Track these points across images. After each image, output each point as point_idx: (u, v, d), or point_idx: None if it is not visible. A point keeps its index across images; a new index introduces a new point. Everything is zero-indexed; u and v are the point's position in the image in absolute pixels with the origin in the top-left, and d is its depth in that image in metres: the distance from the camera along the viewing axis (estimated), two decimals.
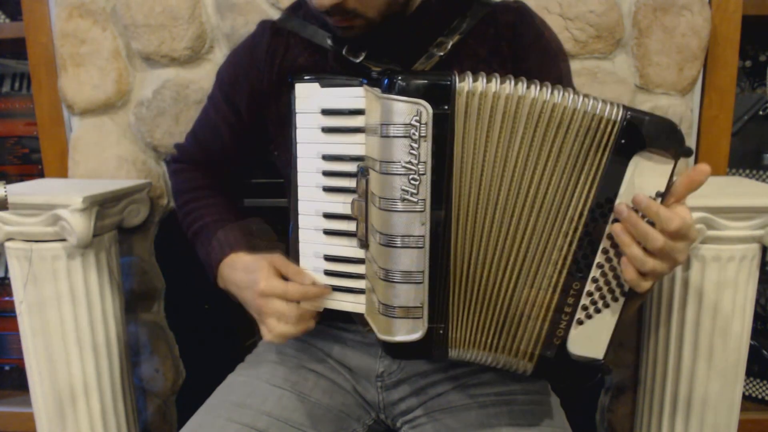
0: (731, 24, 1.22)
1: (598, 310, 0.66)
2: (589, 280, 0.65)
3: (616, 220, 0.62)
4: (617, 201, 0.62)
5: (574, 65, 1.20)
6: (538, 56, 0.82)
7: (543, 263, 0.65)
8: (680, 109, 1.22)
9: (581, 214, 0.63)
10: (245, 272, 0.79)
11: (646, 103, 1.22)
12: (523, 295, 0.67)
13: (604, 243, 0.63)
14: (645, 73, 1.20)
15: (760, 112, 1.40)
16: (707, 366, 1.06)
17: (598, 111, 0.61)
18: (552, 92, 0.61)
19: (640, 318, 1.25)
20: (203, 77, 1.23)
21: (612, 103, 0.62)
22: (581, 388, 0.71)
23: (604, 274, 0.64)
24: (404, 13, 0.78)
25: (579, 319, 0.66)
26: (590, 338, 0.67)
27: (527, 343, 0.68)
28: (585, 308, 0.66)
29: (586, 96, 0.62)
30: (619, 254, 0.63)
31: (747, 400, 1.48)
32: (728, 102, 1.26)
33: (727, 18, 1.21)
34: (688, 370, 1.08)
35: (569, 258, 0.64)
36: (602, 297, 0.65)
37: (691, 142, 1.25)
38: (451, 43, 0.79)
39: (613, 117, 0.61)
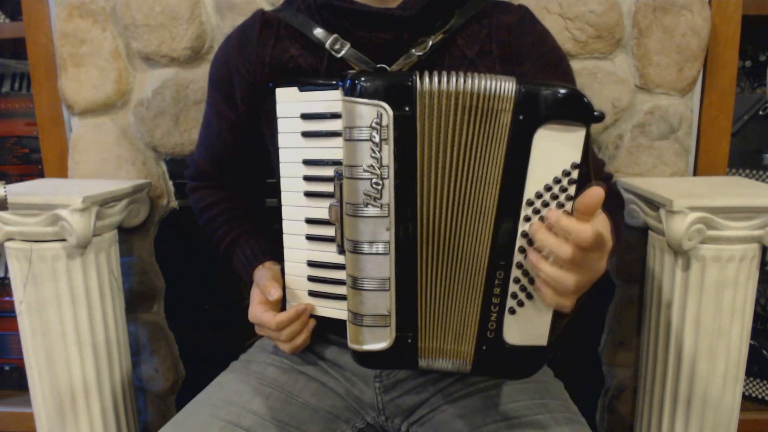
0: (731, 24, 1.22)
1: (530, 296, 0.64)
2: (513, 266, 0.63)
3: (531, 202, 0.60)
4: (527, 180, 0.60)
5: (574, 65, 1.20)
6: (537, 62, 0.80)
7: (474, 258, 0.65)
8: (680, 109, 1.22)
9: (494, 199, 0.62)
10: (254, 289, 0.84)
11: (646, 103, 1.22)
12: (466, 296, 0.66)
13: (523, 226, 0.62)
14: (645, 73, 1.20)
15: (760, 112, 1.40)
16: (707, 366, 1.06)
17: (492, 90, 0.60)
18: (465, 81, 0.60)
19: (640, 318, 1.25)
20: (203, 77, 1.23)
21: (505, 79, 0.60)
22: (525, 377, 0.71)
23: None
24: None
25: (510, 308, 0.65)
26: (527, 325, 0.65)
27: (466, 342, 0.68)
28: (515, 296, 0.64)
29: (482, 76, 0.60)
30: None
31: (747, 400, 1.48)
32: (728, 102, 1.26)
33: (727, 18, 1.21)
34: (688, 370, 1.08)
35: (488, 247, 0.64)
36: (532, 282, 0.63)
37: (691, 142, 1.25)
38: (431, 43, 0.78)
39: (507, 93, 0.59)
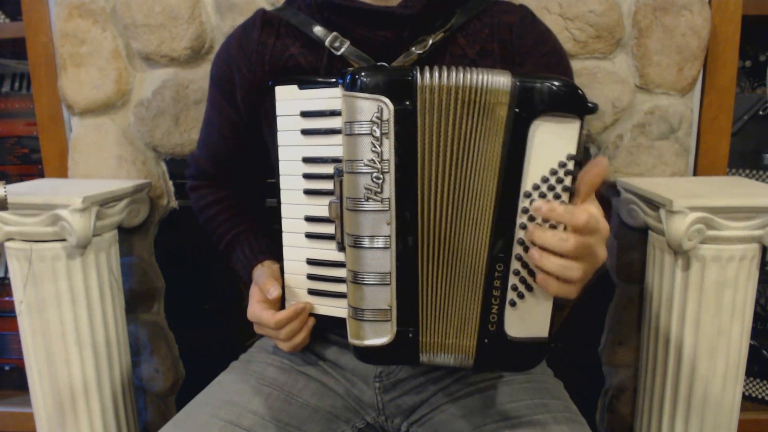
0: (731, 24, 1.22)
1: (530, 288, 0.64)
2: (512, 258, 0.64)
3: (528, 194, 0.61)
4: (524, 173, 0.61)
5: (574, 65, 1.20)
6: (538, 62, 0.81)
7: (474, 251, 0.65)
8: (680, 109, 1.22)
9: (493, 192, 0.63)
10: (253, 288, 0.84)
11: (646, 103, 1.22)
12: (467, 289, 0.66)
13: (521, 218, 0.62)
14: (645, 73, 1.20)
15: (760, 112, 1.40)
16: (707, 366, 1.06)
17: (488, 84, 0.61)
18: (457, 75, 0.61)
19: (640, 318, 1.25)
20: (203, 77, 1.23)
21: (500, 73, 0.61)
22: (527, 369, 0.72)
23: (528, 251, 0.63)
24: None
25: (511, 300, 0.65)
26: (528, 318, 0.65)
27: (468, 336, 0.68)
28: (515, 288, 0.65)
29: (479, 71, 0.61)
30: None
31: (747, 400, 1.48)
32: (728, 102, 1.26)
33: (727, 18, 1.21)
34: (688, 370, 1.08)
35: (488, 239, 0.64)
36: (531, 273, 0.64)
37: (691, 142, 1.25)
38: (431, 42, 0.78)
39: (502, 87, 0.60)
